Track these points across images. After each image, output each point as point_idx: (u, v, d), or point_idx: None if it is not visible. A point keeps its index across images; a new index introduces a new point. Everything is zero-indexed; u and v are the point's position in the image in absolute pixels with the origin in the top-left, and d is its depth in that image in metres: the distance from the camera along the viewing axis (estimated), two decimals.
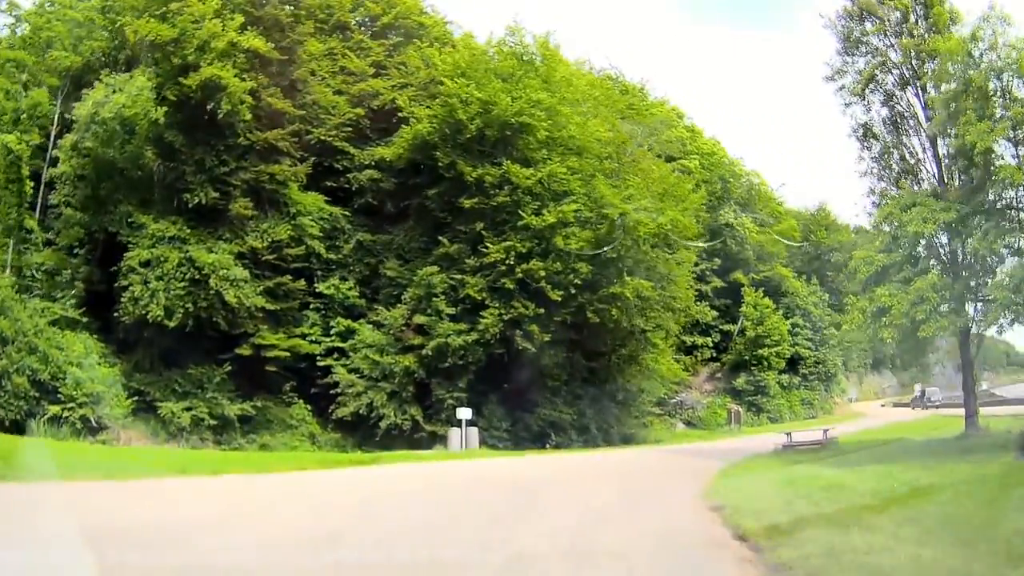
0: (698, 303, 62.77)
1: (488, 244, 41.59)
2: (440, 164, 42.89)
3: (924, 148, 33.34)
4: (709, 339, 71.21)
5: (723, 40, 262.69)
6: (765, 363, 68.59)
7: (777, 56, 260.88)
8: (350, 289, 43.74)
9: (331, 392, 41.15)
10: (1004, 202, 29.77)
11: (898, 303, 29.08)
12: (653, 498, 21.47)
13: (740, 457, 31.97)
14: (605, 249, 42.61)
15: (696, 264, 60.39)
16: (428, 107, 44.36)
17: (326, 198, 43.87)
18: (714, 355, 72.35)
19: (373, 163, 45.12)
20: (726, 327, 72.68)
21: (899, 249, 30.87)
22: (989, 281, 30.29)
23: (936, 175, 32.38)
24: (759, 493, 19.32)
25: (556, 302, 41.16)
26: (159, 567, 11.27)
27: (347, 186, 45.31)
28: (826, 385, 79.47)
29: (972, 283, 30.41)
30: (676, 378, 59.61)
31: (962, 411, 33.26)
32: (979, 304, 30.95)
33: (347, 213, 44.63)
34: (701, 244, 55.64)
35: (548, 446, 42.09)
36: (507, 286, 40.85)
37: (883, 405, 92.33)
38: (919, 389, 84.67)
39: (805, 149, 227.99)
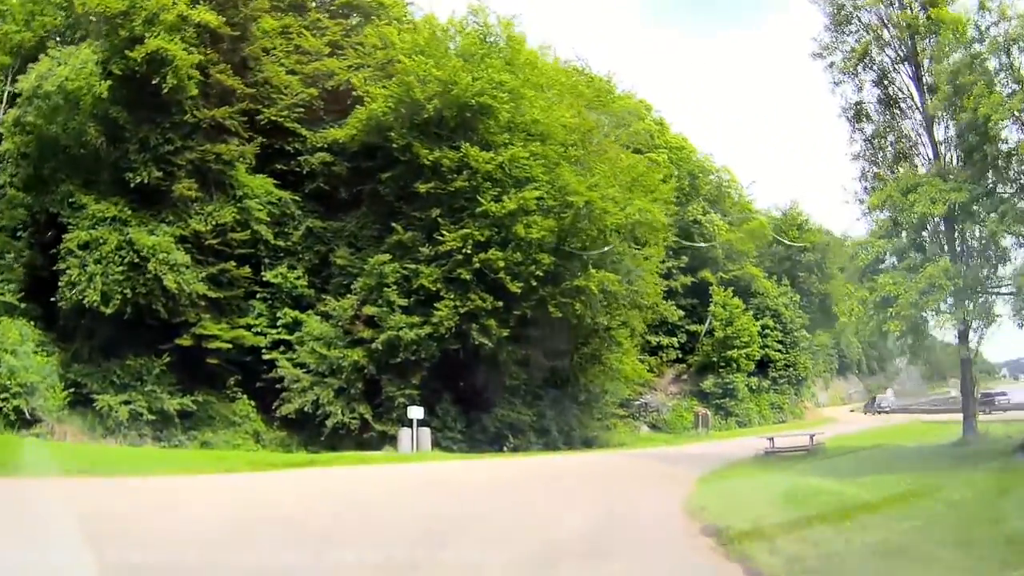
0: (665, 301, 61.51)
1: (444, 232, 39.59)
2: (395, 146, 40.86)
3: (918, 131, 31.69)
4: (675, 339, 70.10)
5: (688, 41, 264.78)
6: (734, 365, 67.54)
7: (746, 57, 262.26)
8: (298, 278, 41.55)
9: (277, 387, 39.09)
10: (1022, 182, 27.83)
11: (905, 292, 26.94)
12: (629, 519, 18.14)
13: (719, 464, 30.09)
14: (569, 239, 41.04)
15: (663, 261, 58.54)
16: (384, 87, 42.23)
17: (275, 181, 41.72)
18: (680, 356, 71.14)
19: (326, 146, 43.07)
20: (693, 327, 71.52)
21: (901, 234, 28.97)
22: (1000, 269, 28.38)
23: (932, 157, 30.72)
24: (755, 508, 16.68)
25: (516, 295, 39.19)
26: None
27: (298, 170, 43.15)
28: (796, 389, 78.81)
29: (984, 271, 28.47)
30: (641, 379, 57.91)
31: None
32: (986, 296, 28.68)
33: (297, 198, 42.46)
34: (670, 236, 53.94)
35: (506, 449, 40.41)
36: (463, 277, 38.90)
37: (852, 410, 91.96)
38: (885, 393, 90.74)
39: (776, 151, 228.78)
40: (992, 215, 26.82)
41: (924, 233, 29.37)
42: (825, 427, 51.12)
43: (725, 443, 45.74)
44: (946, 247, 29.10)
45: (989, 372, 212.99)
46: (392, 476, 28.54)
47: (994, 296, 28.61)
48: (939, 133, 30.58)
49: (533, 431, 42.58)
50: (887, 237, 29.64)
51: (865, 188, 32.87)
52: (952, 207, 27.20)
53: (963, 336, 29.89)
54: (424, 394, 38.99)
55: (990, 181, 27.44)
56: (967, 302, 27.59)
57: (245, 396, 39.39)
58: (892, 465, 24.82)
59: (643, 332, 58.60)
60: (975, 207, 27.26)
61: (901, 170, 31.38)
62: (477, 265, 38.84)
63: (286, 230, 41.97)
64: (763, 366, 72.14)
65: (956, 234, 29.13)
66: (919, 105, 31.22)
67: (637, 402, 61.38)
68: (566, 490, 25.03)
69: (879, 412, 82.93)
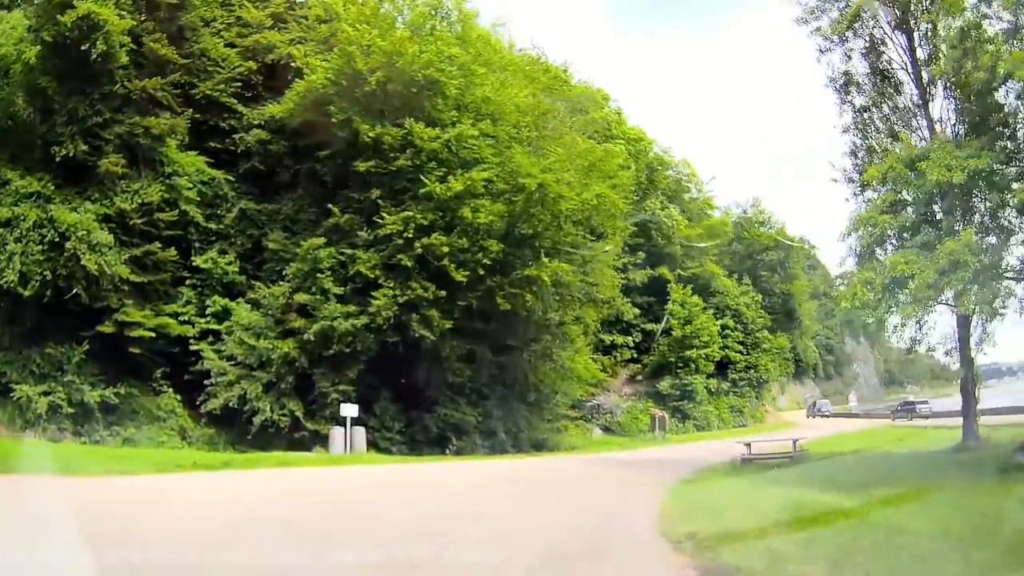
0: (620, 297, 60.12)
1: (384, 215, 37.18)
2: (335, 121, 38.35)
3: (915, 102, 29.47)
4: (630, 338, 68.35)
5: (650, 41, 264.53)
6: (692, 366, 65.92)
7: (706, 59, 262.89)
8: (230, 264, 39.06)
9: (205, 381, 36.51)
10: None
11: (921, 271, 24.19)
12: (597, 548, 14.20)
13: (688, 471, 27.63)
14: (520, 226, 38.86)
15: (619, 256, 56.77)
16: (326, 60, 39.61)
17: (208, 159, 39.34)
18: (635, 356, 69.41)
19: (262, 123, 40.71)
20: (649, 326, 69.88)
21: (907, 209, 26.43)
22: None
23: (927, 129, 28.56)
24: (757, 534, 13.46)
25: (461, 284, 36.83)
26: None
27: (233, 148, 40.70)
28: (757, 392, 77.64)
29: (1007, 249, 26.05)
30: (594, 379, 56.06)
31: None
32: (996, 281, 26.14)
33: (231, 178, 39.92)
34: (628, 227, 51.83)
35: (448, 451, 38.15)
36: (404, 263, 36.46)
37: (827, 415, 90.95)
38: (823, 399, 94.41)
39: (737, 149, 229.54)
40: (1018, 184, 24.28)
41: (936, 207, 26.84)
42: (792, 432, 48.94)
43: (686, 447, 44.13)
44: (967, 217, 26.58)
45: (948, 379, 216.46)
46: (306, 482, 25.60)
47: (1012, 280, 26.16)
48: (935, 107, 28.63)
49: (478, 432, 40.46)
50: (891, 213, 27.00)
51: (856, 165, 30.88)
52: (972, 175, 24.55)
53: (963, 328, 27.66)
54: (360, 391, 36.61)
55: (1009, 149, 24.95)
56: (994, 283, 24.93)
57: (171, 390, 36.84)
58: (899, 475, 22.44)
59: (597, 330, 57.63)
60: (996, 177, 24.68)
61: (900, 141, 29.01)
62: (419, 251, 36.49)
63: (218, 212, 39.63)
64: (723, 367, 71.02)
65: (979, 203, 26.66)
66: (912, 76, 29.20)
67: (590, 403, 59.54)
68: (520, 497, 22.27)
69: (817, 415, 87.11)
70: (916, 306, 25.29)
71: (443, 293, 36.52)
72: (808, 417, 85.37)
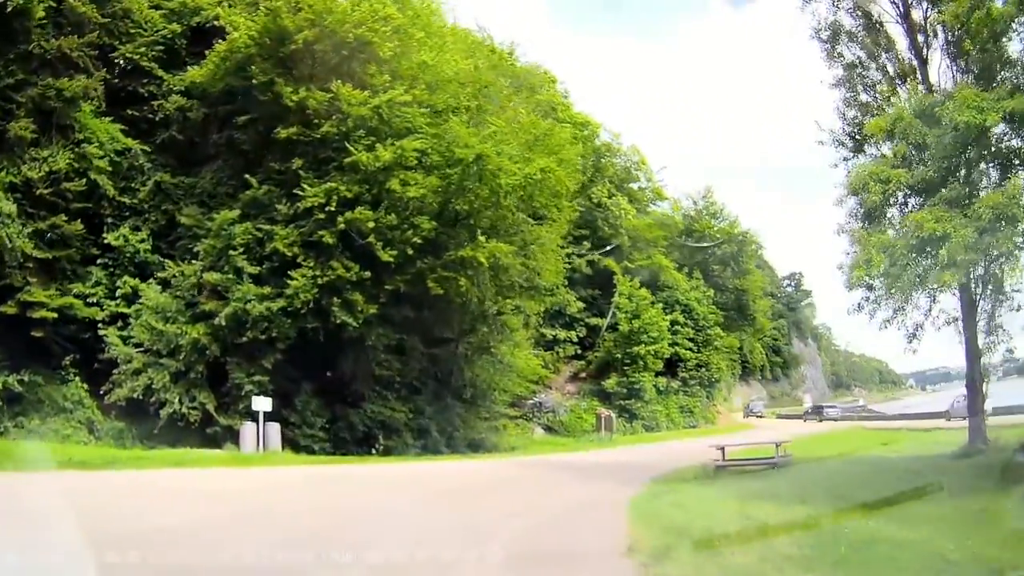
0: (564, 288, 58.46)
1: (305, 186, 34.48)
2: (256, 83, 35.59)
3: (910, 54, 26.97)
4: (574, 333, 65.61)
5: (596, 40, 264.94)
6: (640, 363, 63.14)
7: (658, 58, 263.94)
8: (142, 241, 36.32)
9: (114, 370, 33.71)
10: None
11: (958, 230, 20.98)
12: None
13: (647, 478, 24.68)
14: (455, 201, 36.22)
15: (562, 245, 53.83)
16: (252, 20, 36.83)
17: (124, 128, 36.63)
18: (579, 352, 66.94)
19: (184, 89, 38.03)
20: (594, 320, 67.40)
21: (922, 163, 23.41)
22: None
23: (923, 81, 26.14)
24: None
25: (388, 266, 34.26)
26: None
27: (151, 116, 38.01)
28: (708, 392, 75.25)
29: None
30: (535, 375, 53.58)
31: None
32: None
33: (147, 149, 37.23)
34: (575, 208, 49.16)
35: (375, 451, 35.61)
36: (325, 240, 33.73)
37: (760, 416, 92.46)
38: (755, 400, 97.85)
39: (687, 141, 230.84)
40: None
41: (963, 156, 23.60)
42: (747, 435, 46.37)
43: (638, 449, 42.11)
44: (997, 173, 23.56)
45: (895, 382, 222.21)
46: (171, 491, 21.27)
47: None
48: (933, 59, 26.19)
49: (409, 431, 37.95)
50: (906, 167, 24.06)
51: (847, 125, 28.19)
52: (1009, 117, 21.58)
53: (969, 316, 24.96)
54: (279, 383, 34.20)
55: None
56: None
57: (78, 379, 34.03)
58: (917, 487, 18.85)
59: (539, 323, 56.00)
60: None
61: (914, 87, 26.34)
62: (342, 226, 33.78)
63: (133, 185, 37.05)
64: (672, 366, 68.78)
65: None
66: (905, 28, 26.78)
67: (531, 401, 56.95)
68: (432, 521, 17.28)
69: (751, 415, 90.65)
70: (954, 272, 21.59)
71: (368, 274, 33.96)
72: (744, 418, 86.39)
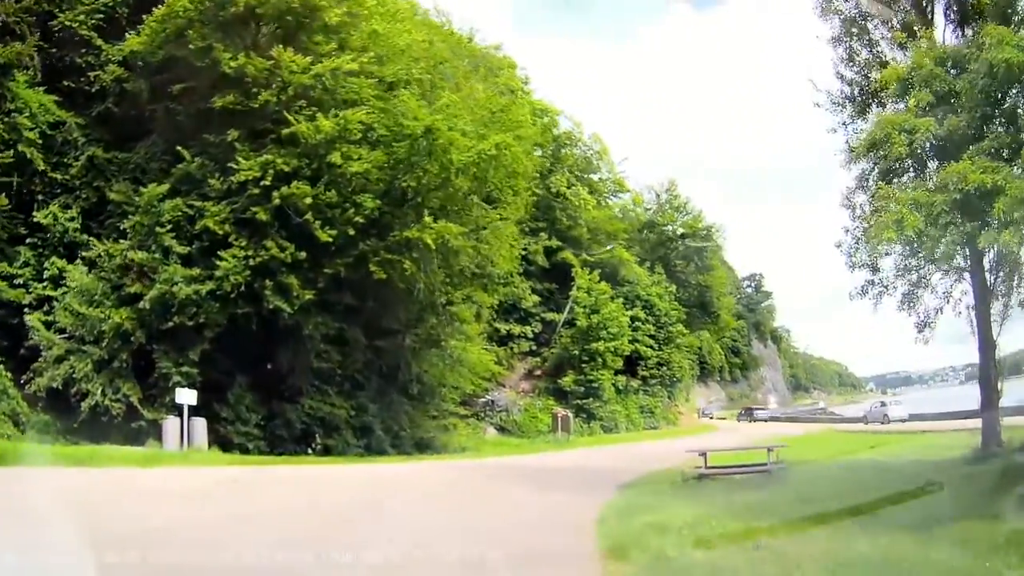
0: (519, 278, 56.92)
1: (240, 158, 32.11)
2: (192, 49, 33.29)
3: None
4: (529, 328, 63.45)
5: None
6: (599, 360, 60.95)
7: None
8: (72, 220, 34.16)
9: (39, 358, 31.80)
10: None
11: (1012, 183, 18.44)
12: None
13: (613, 488, 22.17)
14: (402, 178, 33.88)
15: (517, 236, 51.51)
16: None
17: (58, 99, 34.79)
18: (534, 348, 64.60)
19: (122, 59, 35.81)
20: (550, 315, 65.18)
21: (957, 111, 20.98)
22: None
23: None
24: None
25: (327, 247, 32.00)
26: None
27: (88, 88, 35.89)
28: (670, 391, 73.34)
29: None
30: (487, 372, 51.59)
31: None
32: None
33: (81, 121, 35.14)
34: (533, 190, 46.97)
35: (311, 451, 33.73)
36: (259, 217, 31.43)
37: (723, 418, 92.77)
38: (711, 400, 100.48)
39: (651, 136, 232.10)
40: None
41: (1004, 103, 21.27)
42: (713, 437, 44.50)
43: (598, 452, 40.03)
44: None
45: (855, 385, 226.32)
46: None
47: None
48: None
49: (351, 429, 35.95)
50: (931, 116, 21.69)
51: (846, 85, 26.20)
52: None
53: (982, 302, 22.60)
54: (211, 375, 32.03)
55: None
56: None
57: (2, 367, 31.54)
58: (926, 491, 16.66)
59: (491, 317, 54.35)
60: None
61: (928, 36, 24.14)
62: (277, 202, 31.45)
63: (65, 160, 34.91)
64: (632, 364, 66.65)
65: None
66: None
67: (482, 400, 55.13)
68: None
69: (705, 415, 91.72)
70: (1013, 231, 18.88)
71: (304, 255, 31.65)
72: (698, 419, 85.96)
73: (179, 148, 33.49)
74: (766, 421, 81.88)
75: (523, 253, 56.38)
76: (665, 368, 70.11)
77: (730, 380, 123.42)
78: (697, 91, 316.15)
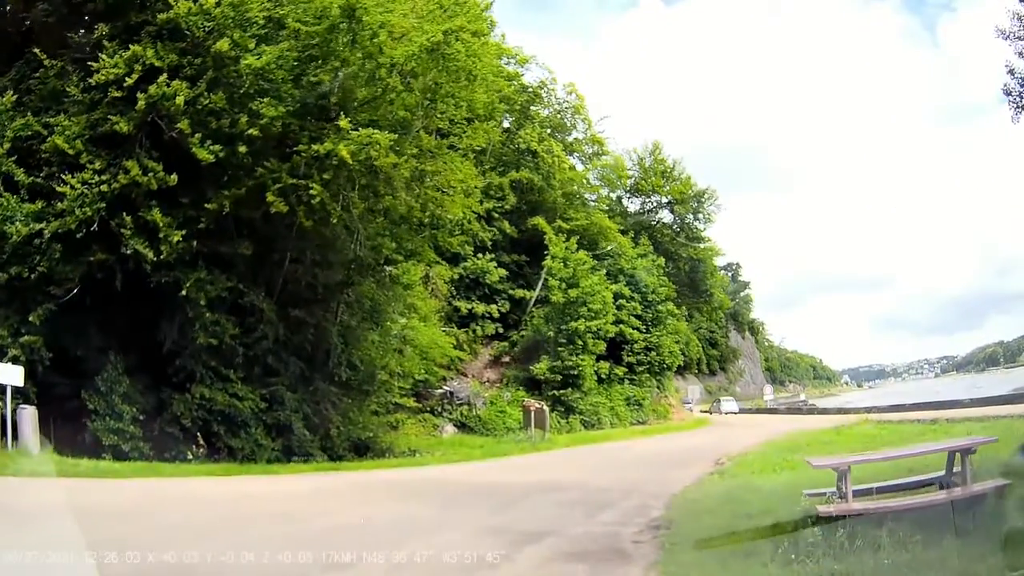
0: (482, 255, 52.87)
1: (104, 57, 24.70)
2: None
3: None
4: (495, 307, 56.82)
5: None
6: (579, 343, 53.59)
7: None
8: None
9: None
10: None
11: None
12: None
13: (651, 542, 13.87)
14: (314, 72, 26.32)
15: (480, 202, 44.58)
16: None
17: None
18: (501, 331, 57.96)
19: None
20: (520, 293, 58.70)
21: None
22: None
23: None
24: None
25: (213, 174, 25.07)
26: None
27: None
28: (659, 380, 66.22)
29: None
30: (444, 358, 45.93)
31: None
32: None
33: None
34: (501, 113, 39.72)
35: (192, 457, 26.18)
36: (120, 129, 24.01)
37: (708, 411, 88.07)
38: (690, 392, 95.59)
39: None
40: None
41: None
42: (721, 431, 37.40)
43: (586, 455, 33.76)
44: None
45: (830, 378, 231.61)
46: None
47: None
48: None
49: (262, 426, 28.31)
50: None
51: None
52: None
53: None
54: (72, 351, 25.08)
55: None
56: None
57: None
58: None
59: (450, 294, 50.08)
60: None
61: None
62: (143, 106, 23.83)
63: None
64: (616, 348, 59.49)
65: None
66: None
67: (439, 391, 48.39)
68: None
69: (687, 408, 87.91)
70: None
71: (174, 178, 24.15)
72: (694, 412, 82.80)
73: (36, 51, 26.19)
74: (737, 413, 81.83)
75: (487, 224, 51.89)
76: (654, 353, 62.65)
77: (708, 372, 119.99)
78: (668, 80, 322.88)
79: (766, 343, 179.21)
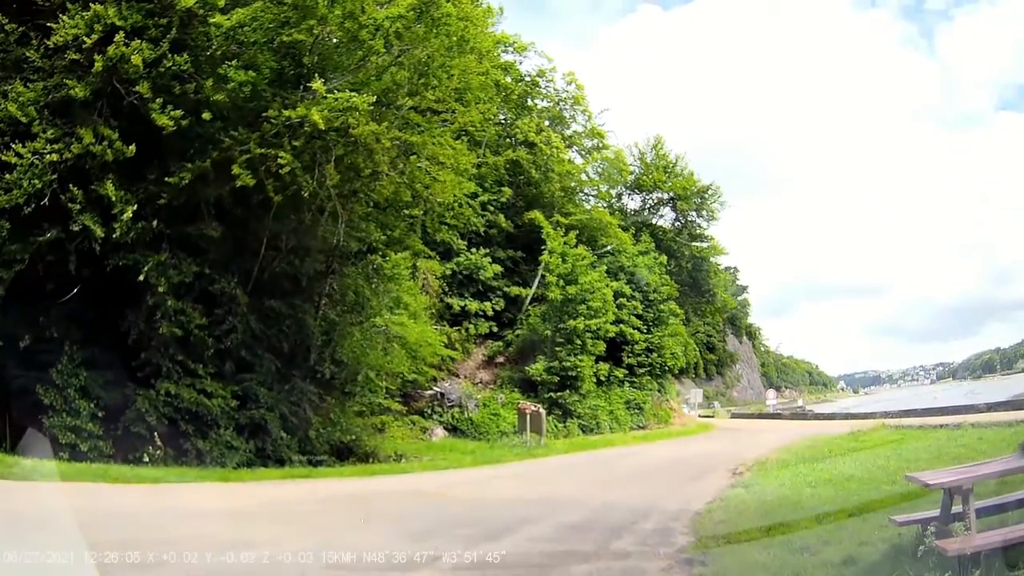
0: (475, 250, 51.48)
1: (64, 18, 22.78)
2: None
3: None
4: (489, 305, 55.23)
5: None
6: (577, 342, 51.91)
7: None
8: None
9: None
10: None
11: None
12: None
13: None
14: (286, 32, 24.13)
15: (475, 195, 45.65)
16: None
17: None
18: (495, 330, 56.28)
19: None
20: (515, 290, 57.01)
21: None
22: None
23: None
24: None
25: (173, 140, 23.16)
26: None
27: None
28: (660, 384, 64.35)
29: None
30: (435, 357, 44.01)
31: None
32: None
33: None
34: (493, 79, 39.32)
35: (148, 460, 23.95)
36: (76, 94, 22.17)
37: (709, 415, 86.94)
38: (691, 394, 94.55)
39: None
40: None
41: None
42: (728, 437, 35.88)
43: (584, 463, 32.07)
44: None
45: (827, 384, 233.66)
46: None
47: None
48: None
49: (234, 428, 26.45)
50: None
51: None
52: None
53: None
54: (24, 341, 23.20)
55: None
56: None
57: None
58: None
59: (441, 290, 48.48)
60: None
61: None
62: (100, 69, 22.02)
63: None
64: (616, 349, 57.95)
65: None
66: None
67: (429, 392, 46.83)
68: None
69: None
70: None
71: (132, 148, 22.23)
72: (698, 417, 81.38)
73: None
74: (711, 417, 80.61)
75: (482, 218, 50.56)
76: (655, 355, 61.28)
77: (705, 377, 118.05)
78: (664, 86, 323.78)
79: (763, 348, 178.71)
